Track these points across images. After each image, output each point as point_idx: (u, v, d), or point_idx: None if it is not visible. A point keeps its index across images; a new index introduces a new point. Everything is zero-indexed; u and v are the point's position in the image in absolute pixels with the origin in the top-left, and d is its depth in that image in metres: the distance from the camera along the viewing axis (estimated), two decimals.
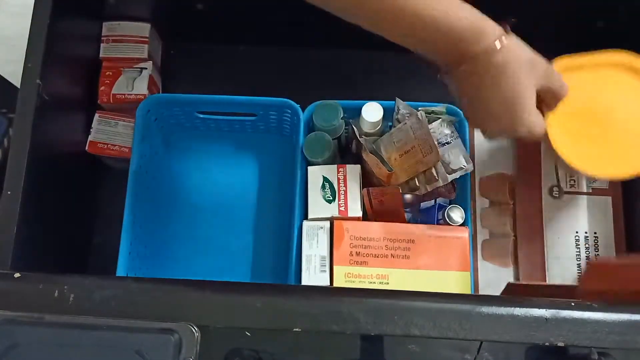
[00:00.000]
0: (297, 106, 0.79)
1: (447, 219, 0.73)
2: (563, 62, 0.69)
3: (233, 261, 0.84)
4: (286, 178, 0.85)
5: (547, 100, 0.60)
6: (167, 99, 0.82)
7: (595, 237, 0.78)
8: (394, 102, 0.74)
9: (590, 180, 0.79)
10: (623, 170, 0.65)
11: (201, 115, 0.84)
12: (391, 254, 0.70)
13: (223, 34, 0.92)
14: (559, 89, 0.59)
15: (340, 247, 0.71)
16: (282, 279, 0.79)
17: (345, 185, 0.74)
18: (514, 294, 0.63)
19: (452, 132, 0.74)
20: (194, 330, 0.48)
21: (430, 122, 0.73)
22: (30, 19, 0.68)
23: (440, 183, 0.73)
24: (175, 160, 0.87)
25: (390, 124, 0.77)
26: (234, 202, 0.86)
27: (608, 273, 0.57)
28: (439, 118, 0.74)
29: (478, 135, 0.83)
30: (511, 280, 0.76)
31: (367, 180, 0.75)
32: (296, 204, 0.75)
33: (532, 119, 0.57)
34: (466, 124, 0.77)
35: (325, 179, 0.74)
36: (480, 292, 0.78)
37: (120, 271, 0.73)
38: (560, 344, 0.47)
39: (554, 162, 0.75)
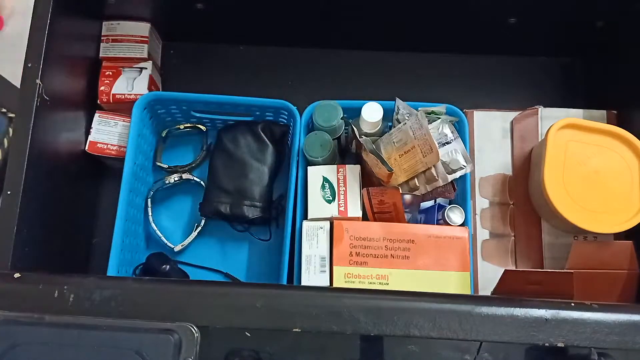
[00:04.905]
0: (294, 107, 0.79)
1: (447, 219, 0.73)
2: (569, 121, 0.75)
3: (227, 259, 0.84)
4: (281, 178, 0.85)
5: None
6: (163, 97, 0.82)
7: (595, 237, 0.78)
8: (394, 102, 0.74)
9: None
10: (614, 227, 0.72)
11: (197, 114, 0.84)
12: (391, 254, 0.70)
13: (223, 34, 0.92)
14: None
15: (340, 248, 0.71)
16: (276, 279, 0.79)
17: (345, 186, 0.74)
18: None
19: (452, 132, 0.74)
20: (193, 331, 0.48)
21: (430, 122, 0.73)
22: (30, 19, 0.68)
23: (440, 183, 0.73)
24: (170, 157, 0.87)
25: (390, 124, 0.77)
26: None
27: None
28: (439, 118, 0.74)
29: (478, 135, 0.83)
30: None
31: (367, 180, 0.75)
32: (289, 204, 0.75)
33: None
34: (466, 123, 0.77)
35: (325, 179, 0.74)
36: (480, 292, 0.78)
37: (112, 265, 0.74)
38: (560, 345, 0.47)
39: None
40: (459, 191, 0.75)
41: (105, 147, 0.82)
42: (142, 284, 0.52)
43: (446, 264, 0.70)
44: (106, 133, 0.82)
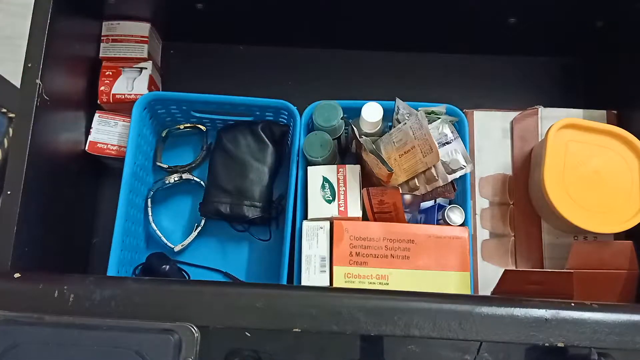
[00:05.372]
0: (294, 107, 0.79)
1: (447, 219, 0.73)
2: (569, 121, 0.75)
3: (227, 259, 0.84)
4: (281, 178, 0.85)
5: None
6: (163, 97, 0.82)
7: (595, 237, 0.78)
8: (394, 102, 0.74)
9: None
10: (614, 227, 0.72)
11: (197, 114, 0.84)
12: (391, 254, 0.70)
13: (223, 34, 0.92)
14: None
15: (340, 247, 0.71)
16: (276, 279, 0.79)
17: (345, 186, 0.74)
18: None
19: (452, 132, 0.74)
20: (193, 331, 0.48)
21: (430, 122, 0.73)
22: (30, 19, 0.68)
23: (440, 183, 0.73)
24: (170, 157, 0.87)
25: (390, 124, 0.77)
26: None
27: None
28: (439, 118, 0.74)
29: (478, 135, 0.83)
30: None
31: (367, 180, 0.75)
32: (289, 204, 0.75)
33: None
34: (466, 123, 0.77)
35: (325, 179, 0.74)
36: (480, 292, 0.78)
37: (112, 265, 0.74)
38: (560, 345, 0.47)
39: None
40: (459, 191, 0.75)
41: (105, 147, 0.82)
42: (142, 284, 0.52)
43: (446, 264, 0.70)
44: (106, 133, 0.82)
